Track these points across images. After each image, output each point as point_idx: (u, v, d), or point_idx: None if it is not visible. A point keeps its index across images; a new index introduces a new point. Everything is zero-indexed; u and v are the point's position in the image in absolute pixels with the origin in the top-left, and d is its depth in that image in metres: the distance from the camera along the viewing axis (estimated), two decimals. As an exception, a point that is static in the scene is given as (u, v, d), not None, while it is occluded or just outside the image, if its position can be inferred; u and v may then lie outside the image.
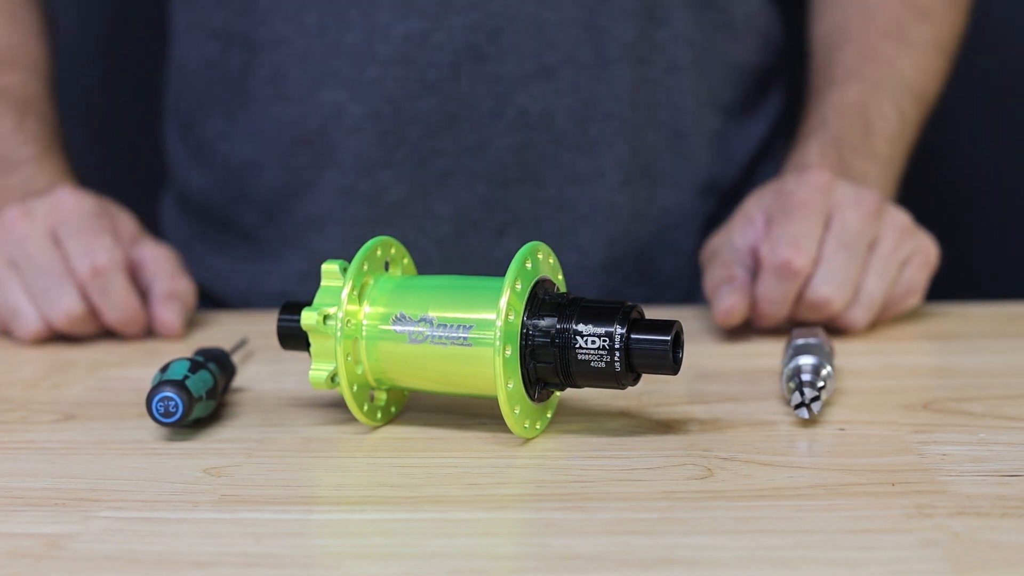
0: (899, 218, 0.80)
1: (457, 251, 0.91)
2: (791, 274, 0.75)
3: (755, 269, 0.79)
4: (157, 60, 1.03)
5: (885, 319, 0.80)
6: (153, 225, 1.03)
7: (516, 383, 0.57)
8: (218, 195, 0.96)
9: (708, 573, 0.45)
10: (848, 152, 0.85)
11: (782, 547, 0.47)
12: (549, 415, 0.61)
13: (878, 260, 0.78)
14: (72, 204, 0.81)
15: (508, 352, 0.56)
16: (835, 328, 0.78)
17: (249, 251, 0.96)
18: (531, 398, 0.58)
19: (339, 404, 0.64)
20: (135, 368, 0.74)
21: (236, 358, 0.73)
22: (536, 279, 0.58)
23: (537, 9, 0.87)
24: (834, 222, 0.77)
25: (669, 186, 0.93)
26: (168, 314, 0.80)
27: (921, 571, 0.45)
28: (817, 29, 0.95)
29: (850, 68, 0.90)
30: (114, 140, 0.97)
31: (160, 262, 0.83)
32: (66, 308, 0.78)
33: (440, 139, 0.89)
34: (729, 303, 0.76)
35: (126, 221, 0.85)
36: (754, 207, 0.81)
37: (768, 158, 1.01)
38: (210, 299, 0.97)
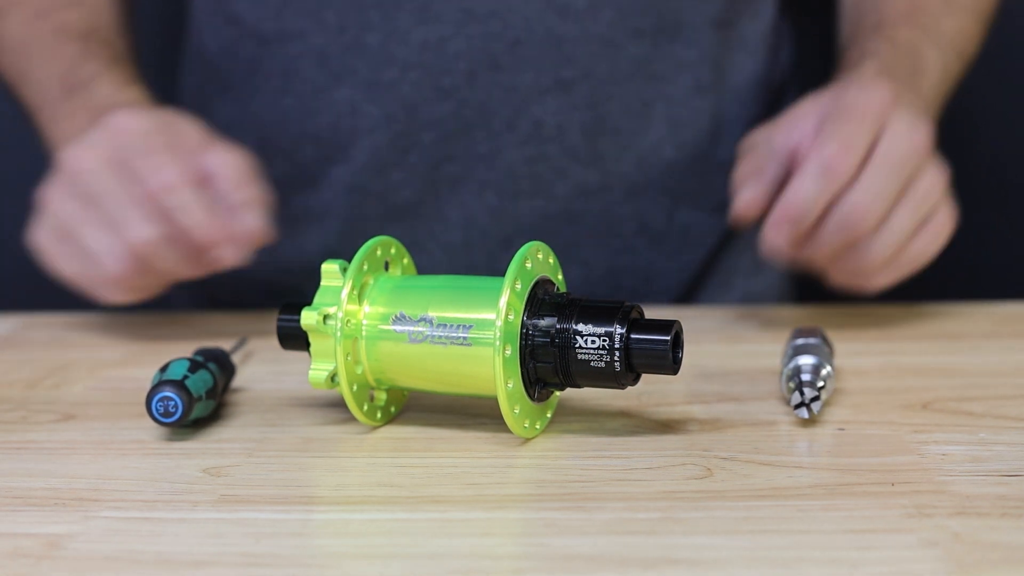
0: (939, 167, 0.76)
1: (464, 259, 0.91)
2: (835, 174, 0.72)
3: (791, 170, 0.75)
4: (173, 41, 1.04)
5: (874, 288, 0.77)
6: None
7: (516, 383, 0.57)
8: None
9: (708, 573, 0.45)
10: (899, 84, 0.81)
11: (782, 547, 0.47)
12: (549, 415, 0.61)
13: (913, 197, 0.74)
14: (130, 126, 0.76)
15: (508, 352, 0.56)
16: (848, 280, 0.75)
17: None
18: (531, 398, 0.58)
19: (339, 404, 0.64)
20: (135, 368, 0.74)
21: (236, 358, 0.73)
22: (536, 279, 0.58)
23: (557, 22, 0.87)
24: (884, 139, 0.74)
25: (689, 204, 0.93)
26: (251, 220, 0.74)
27: (921, 571, 0.45)
28: None
29: (900, 13, 0.88)
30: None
31: (231, 169, 0.76)
32: (145, 235, 0.72)
33: (453, 145, 0.89)
34: (750, 195, 0.74)
35: (189, 130, 0.78)
36: (806, 108, 0.78)
37: None
38: (218, 287, 0.97)
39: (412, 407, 0.64)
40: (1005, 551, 0.46)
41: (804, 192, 0.72)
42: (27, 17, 0.90)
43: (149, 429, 0.61)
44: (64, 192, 0.76)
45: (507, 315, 0.56)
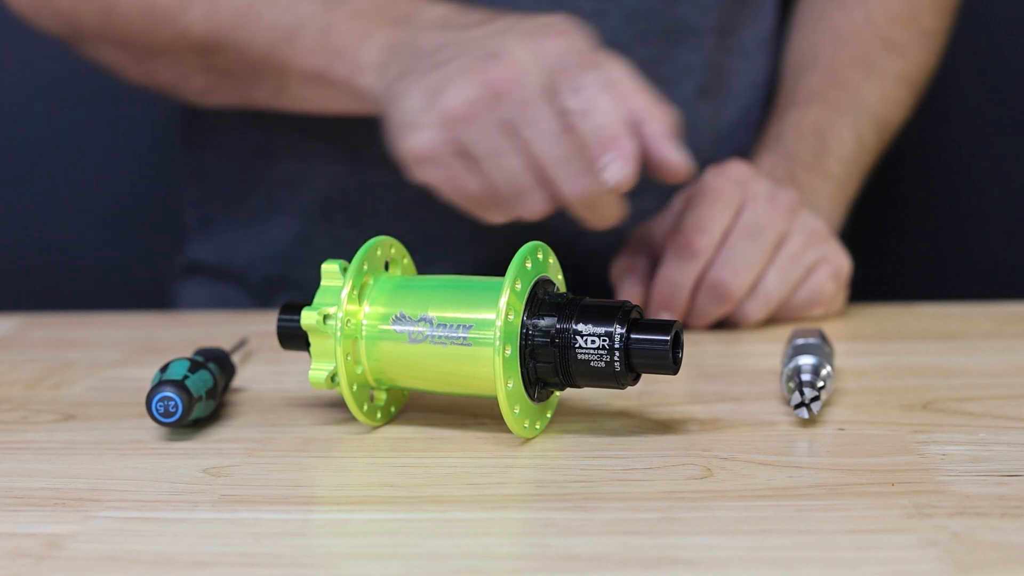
0: (813, 222, 0.80)
1: (468, 253, 0.91)
2: (692, 254, 0.76)
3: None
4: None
5: (792, 319, 0.81)
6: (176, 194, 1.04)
7: (516, 383, 0.57)
8: (237, 174, 0.96)
9: (708, 573, 0.45)
10: (799, 168, 0.86)
11: (782, 547, 0.47)
12: (549, 415, 0.61)
13: (782, 258, 0.78)
14: (558, 46, 0.72)
15: (508, 352, 0.56)
16: (729, 322, 0.80)
17: (259, 228, 0.96)
18: (531, 398, 0.58)
19: (339, 404, 0.64)
20: (135, 368, 0.74)
21: (236, 358, 0.73)
22: (536, 279, 0.58)
23: None
24: (744, 212, 0.78)
25: None
26: (675, 155, 0.73)
27: (921, 571, 0.45)
28: (788, 52, 0.97)
29: (814, 91, 0.91)
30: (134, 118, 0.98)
31: (661, 123, 0.74)
32: (580, 188, 0.71)
33: None
34: (629, 295, 0.79)
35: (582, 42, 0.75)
36: (679, 198, 0.82)
37: None
38: (224, 274, 0.97)
39: (412, 407, 0.64)
40: (1005, 551, 0.46)
41: (668, 277, 0.77)
42: None
43: (149, 429, 0.61)
44: (487, 116, 0.72)
45: (507, 315, 0.56)
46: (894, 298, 0.91)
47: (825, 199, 0.87)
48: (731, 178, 0.79)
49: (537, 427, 0.59)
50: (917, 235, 1.21)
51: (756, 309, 0.78)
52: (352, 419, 0.62)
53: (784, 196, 0.79)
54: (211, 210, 0.99)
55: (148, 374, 0.65)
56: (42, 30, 0.91)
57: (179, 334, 0.82)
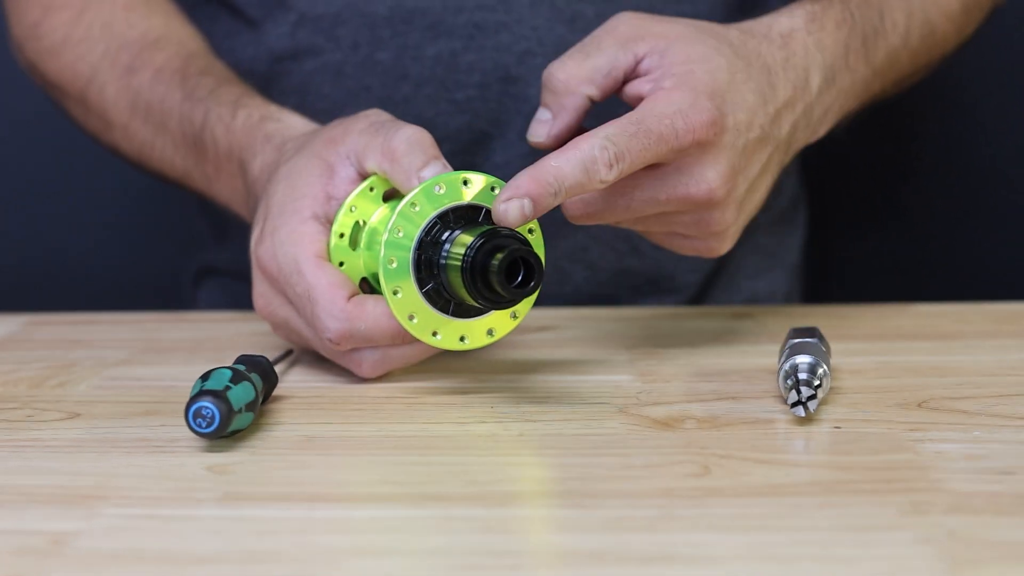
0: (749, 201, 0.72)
1: None
2: (593, 172, 0.66)
3: (608, 94, 0.73)
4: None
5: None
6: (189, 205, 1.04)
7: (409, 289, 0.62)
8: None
9: (706, 570, 0.46)
10: (855, 42, 0.77)
11: (779, 544, 0.47)
12: (496, 336, 0.64)
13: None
14: (268, 257, 0.69)
15: (393, 265, 0.61)
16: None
17: None
18: (440, 310, 0.63)
19: (340, 404, 0.65)
20: (140, 367, 0.74)
21: (280, 368, 0.70)
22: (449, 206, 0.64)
23: (566, 32, 0.87)
24: (681, 173, 0.68)
25: None
26: None
27: (916, 568, 0.45)
28: None
29: None
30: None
31: None
32: (336, 334, 0.65)
33: (470, 156, 0.89)
34: (543, 131, 0.74)
35: (340, 164, 0.69)
36: (694, 50, 0.70)
37: (791, 169, 1.01)
38: (242, 275, 0.97)
39: (412, 406, 0.65)
40: (999, 548, 0.47)
41: (557, 172, 0.66)
42: (119, 75, 0.87)
43: (154, 427, 0.62)
44: (265, 291, 0.71)
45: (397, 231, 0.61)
46: (891, 298, 0.91)
47: (854, 88, 0.77)
48: (697, 128, 0.67)
49: (466, 341, 0.63)
50: (923, 234, 1.21)
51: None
52: (353, 418, 0.62)
53: (718, 171, 0.68)
54: (226, 216, 1.00)
55: (153, 373, 0.65)
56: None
57: (184, 334, 0.83)
